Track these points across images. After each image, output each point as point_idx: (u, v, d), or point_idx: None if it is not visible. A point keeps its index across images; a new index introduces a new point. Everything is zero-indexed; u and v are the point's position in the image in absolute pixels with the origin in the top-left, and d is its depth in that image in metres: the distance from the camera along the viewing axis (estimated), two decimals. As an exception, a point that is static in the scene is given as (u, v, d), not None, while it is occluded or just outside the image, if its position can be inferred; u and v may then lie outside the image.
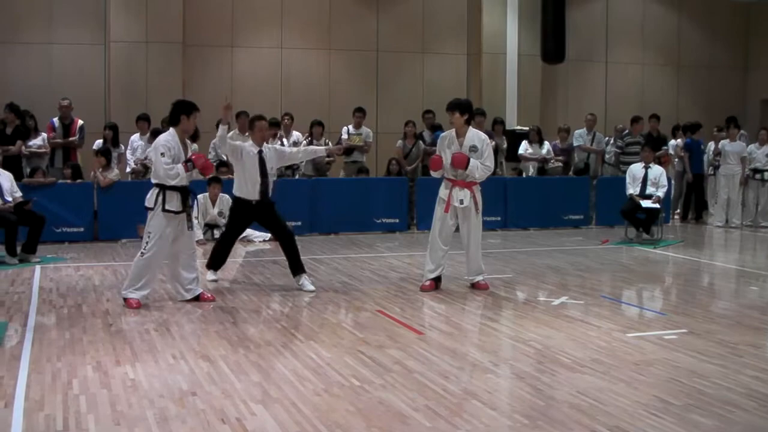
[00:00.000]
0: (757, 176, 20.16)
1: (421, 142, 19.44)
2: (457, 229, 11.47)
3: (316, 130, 18.54)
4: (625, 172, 18.05)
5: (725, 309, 10.67)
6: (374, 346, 8.43)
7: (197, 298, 10.65)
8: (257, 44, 22.69)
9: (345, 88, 22.72)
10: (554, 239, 16.63)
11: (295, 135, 18.65)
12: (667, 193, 18.03)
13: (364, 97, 21.99)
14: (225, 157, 17.71)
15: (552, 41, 22.17)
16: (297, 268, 11.72)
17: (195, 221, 15.44)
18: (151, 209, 10.26)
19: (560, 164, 20.29)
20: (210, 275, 12.18)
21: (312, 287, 11.54)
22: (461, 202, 11.26)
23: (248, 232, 16.05)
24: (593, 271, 13.60)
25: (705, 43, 26.92)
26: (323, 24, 23.15)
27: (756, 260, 15.94)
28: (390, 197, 17.94)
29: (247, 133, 16.68)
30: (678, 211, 21.23)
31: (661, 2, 26.57)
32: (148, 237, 10.26)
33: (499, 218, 18.16)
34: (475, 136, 11.36)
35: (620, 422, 6.25)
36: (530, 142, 20.07)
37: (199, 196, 15.90)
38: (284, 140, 18.23)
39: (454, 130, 11.47)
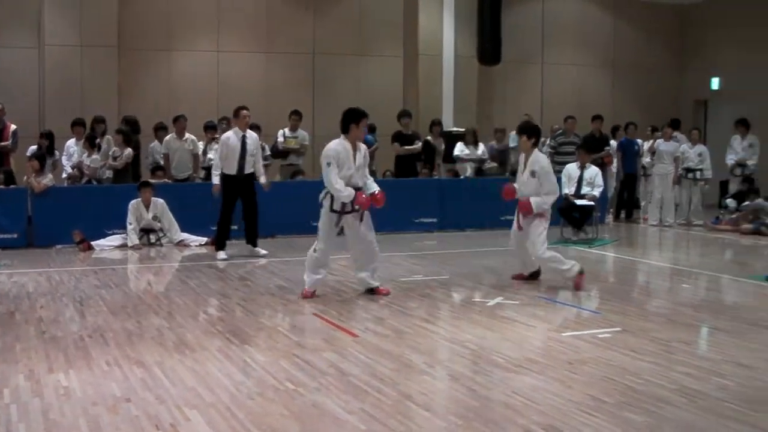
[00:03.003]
0: (690, 175, 20.42)
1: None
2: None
3: (253, 134, 18.54)
4: (559, 172, 18.18)
5: (659, 307, 10.81)
6: (310, 349, 8.43)
7: (372, 291, 11.35)
8: (194, 48, 22.62)
9: (282, 91, 22.67)
10: (491, 240, 16.68)
11: (232, 138, 18.63)
12: (603, 193, 18.19)
13: (301, 99, 22.01)
14: (161, 162, 17.72)
15: (488, 42, 22.27)
16: (253, 239, 14.97)
17: (129, 226, 15.49)
18: (321, 207, 11.17)
19: (495, 165, 20.39)
20: (221, 255, 14.55)
21: (264, 251, 14.70)
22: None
23: (185, 236, 16.04)
24: (529, 271, 13.69)
25: (640, 45, 27.21)
26: (260, 27, 23.11)
27: (689, 258, 16.16)
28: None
29: (184, 136, 16.91)
30: (611, 209, 21.42)
31: (597, 4, 26.83)
32: (318, 234, 11.33)
33: (435, 219, 18.22)
34: (536, 161, 11.86)
35: (554, 421, 6.31)
36: (466, 144, 20.13)
37: (132, 202, 15.80)
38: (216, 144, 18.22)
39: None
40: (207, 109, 20.71)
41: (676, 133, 21.50)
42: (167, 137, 18.07)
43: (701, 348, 8.96)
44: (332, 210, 11.07)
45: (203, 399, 6.79)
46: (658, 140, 20.64)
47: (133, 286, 12.59)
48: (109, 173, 17.29)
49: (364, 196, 10.91)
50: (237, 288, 11.99)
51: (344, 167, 10.94)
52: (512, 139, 20.82)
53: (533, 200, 11.68)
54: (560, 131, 20.79)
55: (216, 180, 14.80)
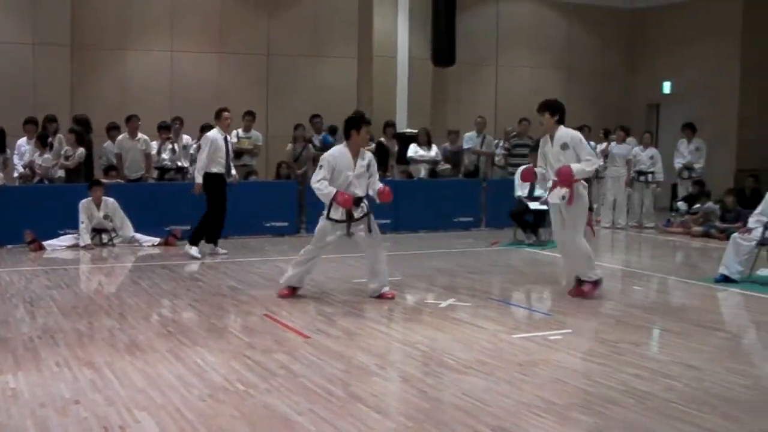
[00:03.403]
0: (642, 178, 20.60)
1: (311, 146, 19.47)
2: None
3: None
4: (513, 174, 18.26)
5: (610, 309, 10.86)
6: (260, 350, 8.42)
7: (380, 296, 11.26)
8: (148, 47, 22.49)
9: (236, 91, 22.56)
10: (444, 241, 16.75)
11: (185, 139, 18.57)
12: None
13: (254, 100, 21.96)
14: (114, 161, 17.63)
15: (443, 44, 22.36)
16: (196, 239, 15.00)
17: (81, 225, 15.39)
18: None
19: (449, 167, 20.44)
20: (193, 250, 14.86)
21: (198, 255, 14.71)
22: (563, 198, 11.23)
23: (138, 236, 15.98)
24: (482, 273, 13.75)
25: (594, 48, 27.40)
26: (214, 28, 23.04)
27: (640, 260, 16.28)
28: (279, 201, 17.92)
29: (136, 136, 16.85)
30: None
31: (552, 8, 26.97)
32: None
33: (389, 221, 18.22)
34: (565, 134, 11.33)
35: (503, 422, 6.34)
36: (419, 145, 20.16)
37: (82, 201, 15.70)
38: (174, 144, 18.15)
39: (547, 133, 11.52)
40: (160, 109, 20.63)
41: (629, 139, 21.71)
42: (120, 137, 17.98)
43: (650, 349, 9.02)
44: (328, 218, 11.05)
45: (153, 401, 6.77)
46: (611, 143, 20.80)
47: (85, 287, 12.52)
48: (61, 173, 17.19)
49: (346, 195, 10.78)
50: (189, 289, 11.95)
51: (341, 174, 10.92)
52: (466, 140, 20.90)
53: (574, 166, 11.02)
54: (514, 133, 20.89)
55: (199, 179, 14.85)
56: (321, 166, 10.97)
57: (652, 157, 20.75)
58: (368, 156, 11.24)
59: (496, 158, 21.26)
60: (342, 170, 10.92)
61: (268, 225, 17.60)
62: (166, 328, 9.50)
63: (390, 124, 20.85)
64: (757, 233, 12.67)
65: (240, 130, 19.00)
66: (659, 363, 8.15)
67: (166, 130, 18.30)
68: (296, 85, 23.56)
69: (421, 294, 11.77)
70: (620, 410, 6.65)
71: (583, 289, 11.43)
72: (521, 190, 17.21)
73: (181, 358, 8.12)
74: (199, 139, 18.37)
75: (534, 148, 18.83)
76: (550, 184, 11.53)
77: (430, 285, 12.49)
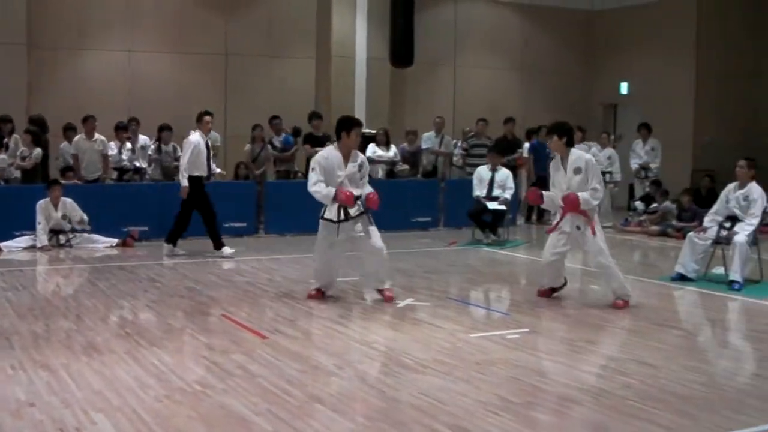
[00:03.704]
0: (599, 178, 20.68)
1: (270, 146, 19.44)
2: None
3: (165, 135, 18.40)
4: (471, 174, 18.32)
5: (567, 308, 10.92)
6: (218, 351, 8.41)
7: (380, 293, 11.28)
8: (106, 47, 22.34)
9: (194, 92, 22.48)
10: (402, 241, 16.75)
11: (142, 139, 18.49)
12: (515, 195, 18.34)
13: (213, 101, 21.88)
14: (71, 162, 17.51)
15: (401, 45, 22.38)
16: (218, 243, 15.16)
17: (39, 226, 15.28)
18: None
19: (407, 167, 20.45)
20: (169, 249, 15.09)
21: (232, 250, 15.15)
22: (578, 228, 10.98)
23: (95, 237, 15.89)
24: (441, 273, 13.79)
25: (551, 49, 27.50)
26: (173, 28, 22.91)
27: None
28: (238, 201, 17.84)
29: (93, 137, 16.77)
30: (523, 212, 21.59)
31: (509, 9, 27.06)
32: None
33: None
34: (580, 158, 11.03)
35: (461, 421, 6.36)
36: (378, 145, 20.16)
37: (40, 202, 15.57)
38: (131, 144, 18.07)
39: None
40: (118, 109, 20.50)
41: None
42: (76, 138, 17.86)
43: (607, 348, 9.09)
44: (323, 217, 11.04)
45: (110, 402, 6.73)
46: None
47: (41, 289, 12.42)
48: (17, 173, 17.05)
49: (346, 192, 10.74)
50: (146, 290, 11.89)
51: (332, 175, 10.88)
52: (424, 140, 20.93)
53: (581, 195, 10.79)
54: (472, 133, 20.96)
55: (185, 182, 14.88)
56: (313, 168, 10.98)
57: (609, 157, 20.85)
58: (360, 157, 11.22)
59: (455, 158, 21.33)
60: (333, 171, 10.88)
61: (226, 225, 17.46)
62: (123, 329, 9.45)
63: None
64: (713, 232, 12.79)
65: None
66: (616, 361, 8.22)
67: (124, 131, 18.21)
68: (255, 85, 23.49)
69: (379, 294, 11.77)
70: (577, 408, 6.70)
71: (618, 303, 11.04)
72: (479, 190, 17.26)
73: (138, 359, 8.08)
74: (158, 139, 18.34)
75: (492, 147, 18.98)
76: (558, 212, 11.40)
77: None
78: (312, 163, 11.16)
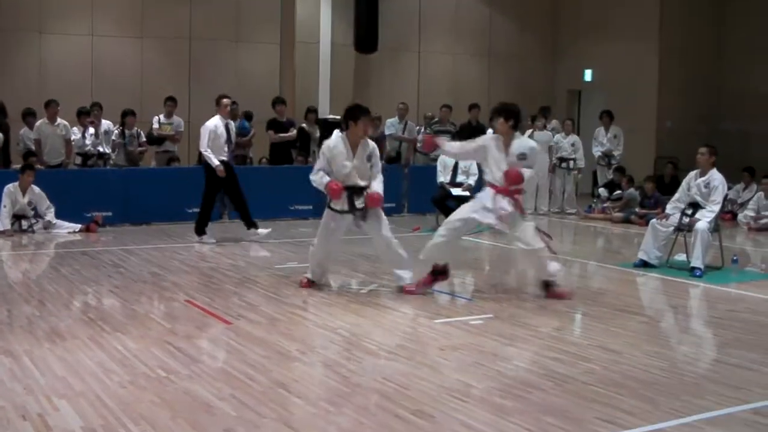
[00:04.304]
0: (563, 165, 20.80)
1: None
2: None
3: (128, 120, 18.30)
4: (435, 160, 18.33)
5: (531, 294, 10.94)
6: (182, 336, 8.40)
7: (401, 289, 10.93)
8: (67, 31, 22.12)
9: (157, 76, 22.36)
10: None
11: (105, 124, 18.35)
12: (478, 181, 18.35)
13: (176, 86, 21.73)
14: (32, 147, 17.40)
15: (365, 30, 22.38)
16: (250, 223, 15.29)
17: (3, 209, 15.18)
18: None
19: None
20: (205, 239, 14.99)
21: (266, 230, 15.36)
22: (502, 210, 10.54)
23: (58, 222, 15.80)
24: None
25: (515, 34, 27.48)
26: (135, 11, 22.73)
27: (562, 246, 16.35)
28: (201, 187, 17.75)
29: (56, 122, 16.66)
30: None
31: (473, -6, 27.07)
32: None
33: (310, 207, 18.10)
34: (525, 144, 10.76)
35: (423, 406, 6.39)
36: (342, 131, 20.08)
37: (9, 185, 15.48)
38: (94, 129, 17.95)
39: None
40: (80, 93, 20.35)
41: (554, 121, 21.97)
42: (38, 122, 17.73)
43: (570, 334, 9.12)
44: (329, 206, 10.91)
45: (73, 388, 6.72)
46: (534, 130, 20.96)
47: (4, 274, 12.32)
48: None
49: (334, 186, 10.58)
50: (110, 275, 11.85)
51: (338, 165, 10.71)
52: (388, 126, 20.91)
53: (527, 172, 10.48)
54: (435, 119, 20.98)
55: (215, 162, 14.81)
56: (318, 156, 10.99)
57: (573, 144, 20.94)
58: (371, 147, 10.92)
59: (418, 144, 21.34)
60: (339, 160, 10.71)
61: (190, 211, 17.43)
62: (87, 315, 9.42)
63: (312, 110, 20.77)
64: (675, 219, 12.86)
65: (161, 116, 18.83)
66: (578, 347, 8.27)
67: (87, 116, 18.10)
68: (218, 70, 23.35)
69: (344, 279, 11.80)
70: (540, 393, 6.74)
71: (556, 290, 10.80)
72: (443, 176, 17.27)
73: (102, 345, 8.06)
74: (122, 124, 18.23)
75: (456, 133, 18.99)
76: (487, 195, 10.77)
77: (353, 271, 12.50)
78: (320, 150, 11.14)
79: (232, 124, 15.68)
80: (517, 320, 9.37)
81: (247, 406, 6.35)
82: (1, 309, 9.62)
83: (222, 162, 14.88)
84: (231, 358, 7.66)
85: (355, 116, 10.80)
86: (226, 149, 15.08)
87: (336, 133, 11.04)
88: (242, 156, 19.42)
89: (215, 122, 15.03)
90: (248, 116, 19.84)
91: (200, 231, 15.05)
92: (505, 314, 9.66)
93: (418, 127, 21.68)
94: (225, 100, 15.33)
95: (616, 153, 21.07)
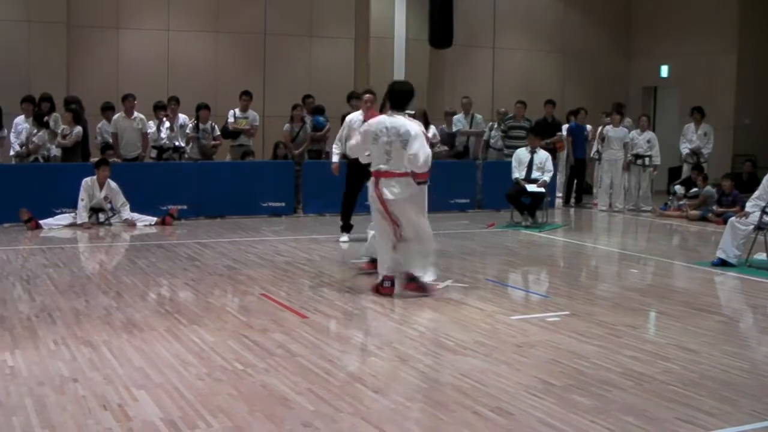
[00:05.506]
0: (639, 162, 20.59)
1: (308, 126, 19.42)
2: None
3: (202, 114, 18.38)
4: (509, 156, 18.26)
5: (607, 291, 10.89)
6: (258, 330, 8.42)
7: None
8: (144, 26, 22.34)
9: (232, 71, 22.52)
10: (440, 223, 16.68)
11: (182, 118, 18.48)
12: (553, 177, 18.27)
13: (251, 80, 21.86)
14: (110, 141, 17.60)
15: (439, 26, 22.27)
16: (345, 225, 14.63)
17: (81, 203, 15.35)
18: None
19: (446, 148, 20.37)
20: (344, 237, 14.53)
21: (346, 243, 14.35)
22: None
23: (134, 215, 15.94)
24: (479, 255, 13.77)
25: (589, 31, 27.27)
26: (211, 7, 22.91)
27: (637, 244, 16.29)
28: (276, 181, 17.88)
29: (133, 115, 16.84)
30: (559, 195, 21.50)
31: (548, -10, 26.91)
32: None
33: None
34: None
35: (501, 403, 6.34)
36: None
37: (87, 179, 15.64)
38: (170, 123, 18.08)
39: None
40: (156, 88, 20.57)
41: (627, 118, 21.78)
42: (116, 116, 17.93)
43: (647, 332, 9.02)
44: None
45: (151, 379, 6.76)
46: (606, 126, 20.80)
47: (82, 266, 12.49)
48: (57, 151, 17.12)
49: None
50: (186, 268, 11.92)
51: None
52: (454, 122, 20.85)
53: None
54: (510, 115, 20.86)
55: (336, 158, 14.36)
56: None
57: (649, 141, 20.70)
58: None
59: (492, 140, 21.23)
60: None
61: (264, 205, 17.57)
62: (163, 307, 9.50)
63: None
64: (755, 217, 12.64)
65: (237, 110, 18.92)
66: (656, 345, 8.16)
67: (163, 110, 18.25)
68: (292, 65, 23.46)
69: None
70: (618, 392, 6.66)
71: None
72: (518, 172, 17.20)
73: (179, 337, 8.11)
74: (196, 118, 18.34)
75: (531, 129, 18.90)
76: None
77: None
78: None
79: (309, 119, 15.14)
80: (593, 317, 9.27)
81: (323, 400, 6.34)
82: (79, 300, 9.73)
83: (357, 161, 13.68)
84: (307, 352, 7.64)
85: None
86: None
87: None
88: (317, 151, 19.47)
89: (354, 116, 14.33)
90: (320, 110, 19.86)
91: (345, 227, 14.73)
92: (582, 311, 9.57)
93: (490, 123, 21.58)
94: (366, 96, 14.17)
95: (705, 151, 20.71)
